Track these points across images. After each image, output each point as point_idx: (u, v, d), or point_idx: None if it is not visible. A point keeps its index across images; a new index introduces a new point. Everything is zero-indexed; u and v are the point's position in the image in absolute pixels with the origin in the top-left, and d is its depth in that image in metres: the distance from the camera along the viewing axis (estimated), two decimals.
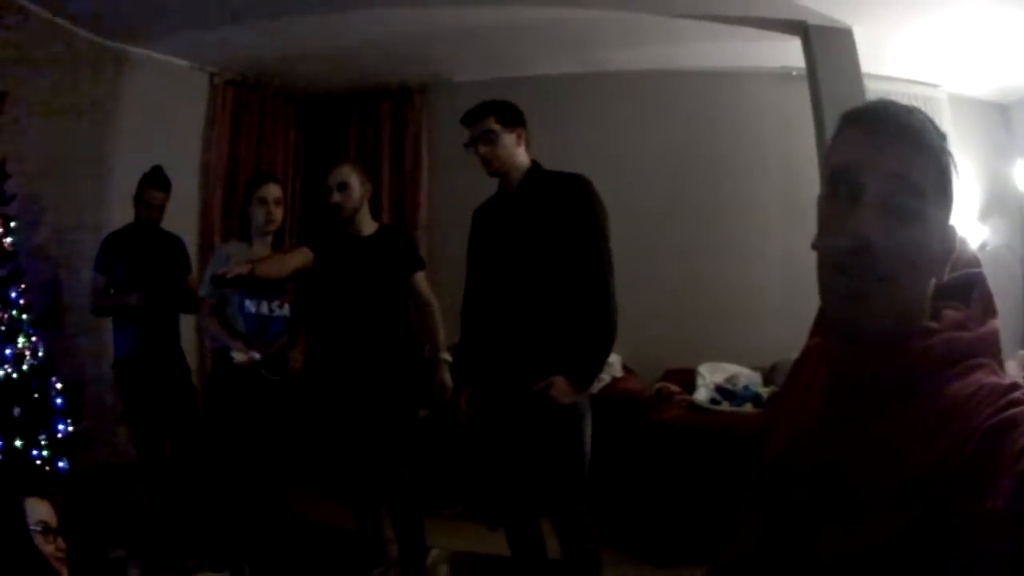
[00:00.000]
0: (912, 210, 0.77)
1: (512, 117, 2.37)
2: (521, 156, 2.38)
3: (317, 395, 2.90)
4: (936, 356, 0.77)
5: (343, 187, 2.73)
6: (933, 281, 0.82)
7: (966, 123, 4.57)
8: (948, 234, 0.81)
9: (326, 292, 2.81)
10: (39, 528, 1.99)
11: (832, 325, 0.86)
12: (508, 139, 2.34)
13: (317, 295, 2.89)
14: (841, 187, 0.80)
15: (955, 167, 0.81)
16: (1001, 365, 0.79)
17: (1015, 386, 0.73)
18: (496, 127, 2.33)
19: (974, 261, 0.89)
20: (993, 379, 0.75)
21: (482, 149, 2.34)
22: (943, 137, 0.81)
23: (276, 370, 2.88)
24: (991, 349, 0.79)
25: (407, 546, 2.82)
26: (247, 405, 2.88)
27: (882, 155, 0.78)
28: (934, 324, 0.80)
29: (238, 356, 2.78)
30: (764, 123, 4.38)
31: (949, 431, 0.71)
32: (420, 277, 2.86)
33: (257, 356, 2.81)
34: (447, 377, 2.77)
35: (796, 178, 4.09)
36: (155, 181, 3.25)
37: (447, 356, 2.81)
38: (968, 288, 0.86)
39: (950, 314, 0.81)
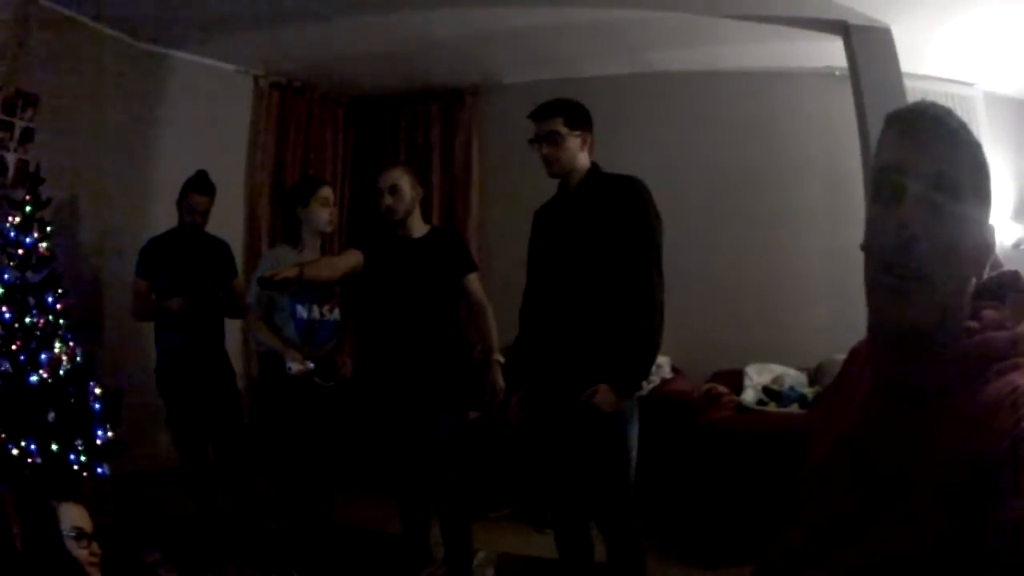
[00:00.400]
0: (952, 207, 0.79)
1: (579, 120, 2.37)
2: (583, 159, 2.38)
3: (369, 397, 2.88)
4: (974, 356, 0.78)
5: (394, 190, 2.71)
6: (974, 280, 0.83)
7: (1000, 121, 4.55)
8: (987, 233, 0.83)
9: (378, 295, 2.79)
10: (73, 533, 1.98)
11: (876, 325, 0.86)
12: (572, 142, 2.34)
13: (369, 298, 2.87)
14: (885, 187, 0.83)
15: (990, 168, 0.83)
16: None
17: None
18: (562, 129, 2.32)
19: (998, 262, 0.91)
20: None
21: (545, 150, 2.34)
22: (978, 139, 0.85)
23: (328, 376, 2.85)
24: None
25: (453, 548, 2.80)
26: (295, 409, 2.86)
27: (922, 155, 0.81)
28: (974, 323, 0.81)
29: (295, 367, 2.75)
30: (809, 123, 4.38)
31: (983, 433, 0.72)
32: (473, 279, 2.85)
33: (311, 366, 2.79)
34: (499, 379, 2.75)
35: (842, 178, 4.08)
36: (199, 186, 3.24)
37: (499, 357, 2.80)
38: (1004, 287, 0.87)
39: (989, 313, 0.82)
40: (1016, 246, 4.53)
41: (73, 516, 2.04)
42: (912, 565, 0.72)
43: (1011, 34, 3.65)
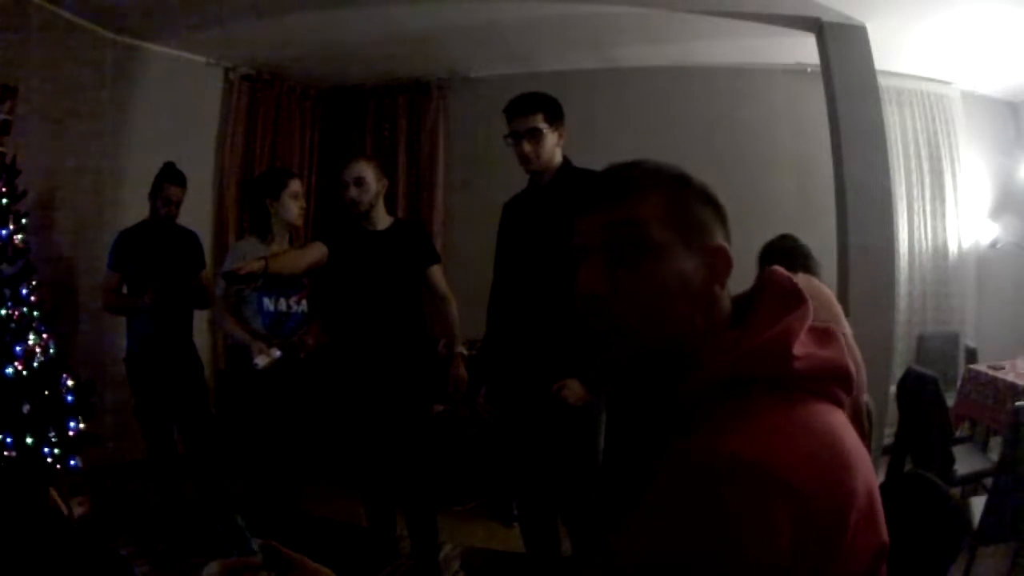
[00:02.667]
0: (636, 255, 0.77)
1: (558, 115, 2.33)
2: (558, 154, 2.35)
3: (334, 390, 2.89)
4: (696, 392, 0.74)
5: (359, 182, 2.70)
6: (720, 301, 0.80)
7: (978, 120, 4.58)
8: (703, 259, 0.79)
9: (342, 287, 2.79)
10: None
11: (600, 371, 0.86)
12: (552, 138, 2.30)
13: (333, 290, 2.87)
14: (576, 257, 0.83)
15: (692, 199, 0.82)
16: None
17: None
18: (542, 125, 2.27)
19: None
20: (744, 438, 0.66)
21: (527, 147, 2.28)
22: (669, 175, 0.83)
23: (294, 356, 2.87)
24: (773, 356, 0.73)
25: (419, 542, 2.81)
26: (262, 401, 2.87)
27: (592, 215, 0.82)
28: (705, 354, 0.75)
29: (261, 361, 2.76)
30: (779, 119, 4.39)
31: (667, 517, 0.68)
32: (436, 270, 2.83)
33: (278, 354, 2.79)
34: (462, 371, 2.76)
35: (810, 174, 4.09)
36: (174, 177, 3.24)
37: (463, 350, 2.80)
38: (757, 292, 0.82)
39: (729, 334, 0.77)
40: (993, 245, 4.57)
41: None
42: None
43: (989, 33, 3.65)
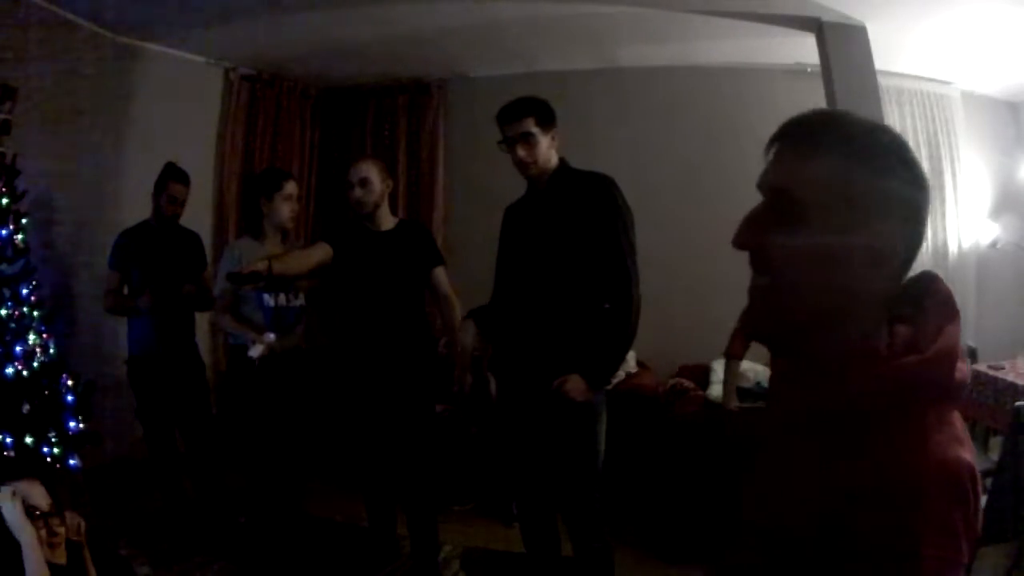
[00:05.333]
0: (796, 216, 0.77)
1: (549, 117, 2.33)
2: (553, 156, 2.35)
3: (336, 390, 2.89)
4: (875, 395, 0.74)
5: (365, 183, 2.71)
6: (881, 290, 0.78)
7: (978, 120, 4.58)
8: (878, 241, 0.76)
9: (347, 287, 2.80)
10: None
11: (750, 325, 0.84)
12: (545, 141, 2.31)
13: (336, 290, 2.87)
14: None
15: (898, 170, 0.78)
16: (956, 389, 0.75)
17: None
18: (535, 129, 2.28)
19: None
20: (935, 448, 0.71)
21: (521, 152, 2.29)
22: (863, 141, 0.78)
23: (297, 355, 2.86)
24: (944, 370, 0.73)
25: (420, 542, 2.81)
26: (264, 401, 2.88)
27: (773, 164, 0.82)
28: (884, 343, 0.76)
29: (255, 352, 2.76)
30: (779, 119, 4.34)
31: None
32: (440, 272, 2.86)
33: (272, 337, 2.79)
34: (467, 374, 2.74)
35: None
36: (178, 175, 3.24)
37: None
38: (922, 294, 0.80)
39: (901, 330, 0.77)
40: (993, 245, 4.57)
41: (30, 494, 2.03)
42: None
43: (989, 33, 3.65)
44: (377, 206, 2.75)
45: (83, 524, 2.15)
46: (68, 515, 2.12)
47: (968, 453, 0.73)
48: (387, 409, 2.73)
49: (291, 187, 3.02)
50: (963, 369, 0.75)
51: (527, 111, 2.29)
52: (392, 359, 2.72)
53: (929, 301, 0.79)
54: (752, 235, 0.80)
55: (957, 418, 0.76)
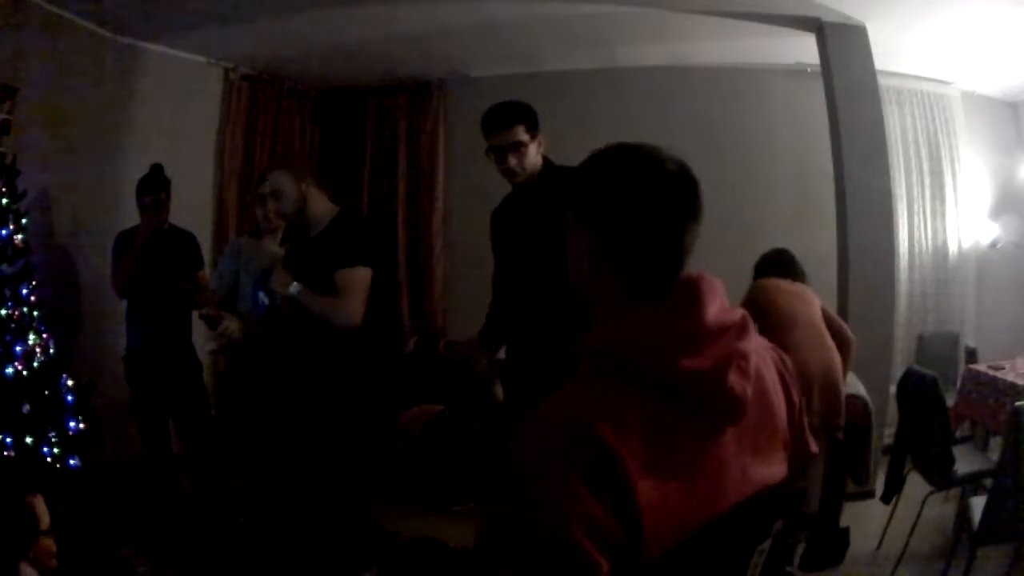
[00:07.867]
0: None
1: (536, 122, 2.27)
2: (539, 159, 2.30)
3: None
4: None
5: (276, 195, 2.50)
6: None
7: (978, 120, 4.58)
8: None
9: None
10: None
11: None
12: (533, 147, 2.25)
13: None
14: None
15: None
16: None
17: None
18: (524, 137, 2.21)
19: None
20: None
21: (512, 161, 2.22)
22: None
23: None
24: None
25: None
26: (260, 401, 2.87)
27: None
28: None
29: (208, 347, 2.72)
30: (778, 119, 4.38)
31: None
32: (344, 274, 2.40)
33: (230, 324, 2.73)
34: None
35: (810, 174, 4.08)
36: (144, 186, 3.16)
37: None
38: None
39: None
40: (993, 245, 4.57)
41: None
42: None
43: (989, 33, 3.65)
44: (300, 211, 2.48)
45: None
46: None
47: None
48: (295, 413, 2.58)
49: (264, 187, 2.83)
50: None
51: (517, 118, 2.22)
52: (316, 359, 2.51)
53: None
54: None
55: None
